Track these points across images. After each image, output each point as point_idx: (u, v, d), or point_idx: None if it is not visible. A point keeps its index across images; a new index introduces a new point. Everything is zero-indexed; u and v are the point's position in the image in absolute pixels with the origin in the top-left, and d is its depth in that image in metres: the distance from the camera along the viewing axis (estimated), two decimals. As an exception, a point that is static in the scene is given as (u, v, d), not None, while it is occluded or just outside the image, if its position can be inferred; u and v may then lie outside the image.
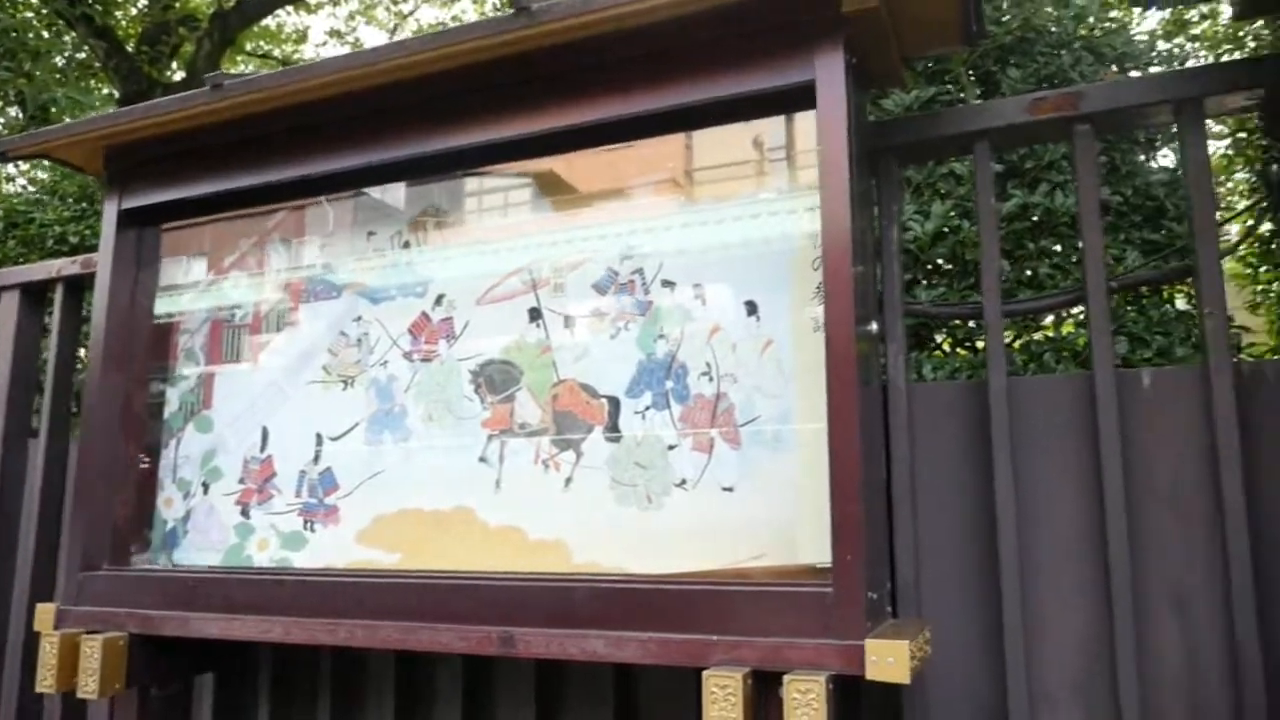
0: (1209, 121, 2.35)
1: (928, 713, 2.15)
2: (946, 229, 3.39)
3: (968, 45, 2.40)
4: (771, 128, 2.35)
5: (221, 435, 2.84)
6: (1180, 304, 3.54)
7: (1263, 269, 4.00)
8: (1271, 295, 3.92)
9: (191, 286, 3.02)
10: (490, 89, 2.44)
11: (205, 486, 2.81)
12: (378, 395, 2.64)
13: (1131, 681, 1.97)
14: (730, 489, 2.16)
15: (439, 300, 2.62)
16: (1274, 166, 2.98)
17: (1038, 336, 3.52)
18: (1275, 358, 3.09)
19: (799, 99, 2.16)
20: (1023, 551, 2.12)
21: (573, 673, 2.48)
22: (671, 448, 2.24)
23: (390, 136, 2.50)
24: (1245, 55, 3.68)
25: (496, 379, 2.49)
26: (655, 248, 2.38)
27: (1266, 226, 3.60)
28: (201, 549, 2.75)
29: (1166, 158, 3.68)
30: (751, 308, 2.25)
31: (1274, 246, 3.78)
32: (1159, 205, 3.45)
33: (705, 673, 1.79)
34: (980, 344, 3.69)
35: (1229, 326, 3.32)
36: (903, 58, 2.46)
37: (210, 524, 2.77)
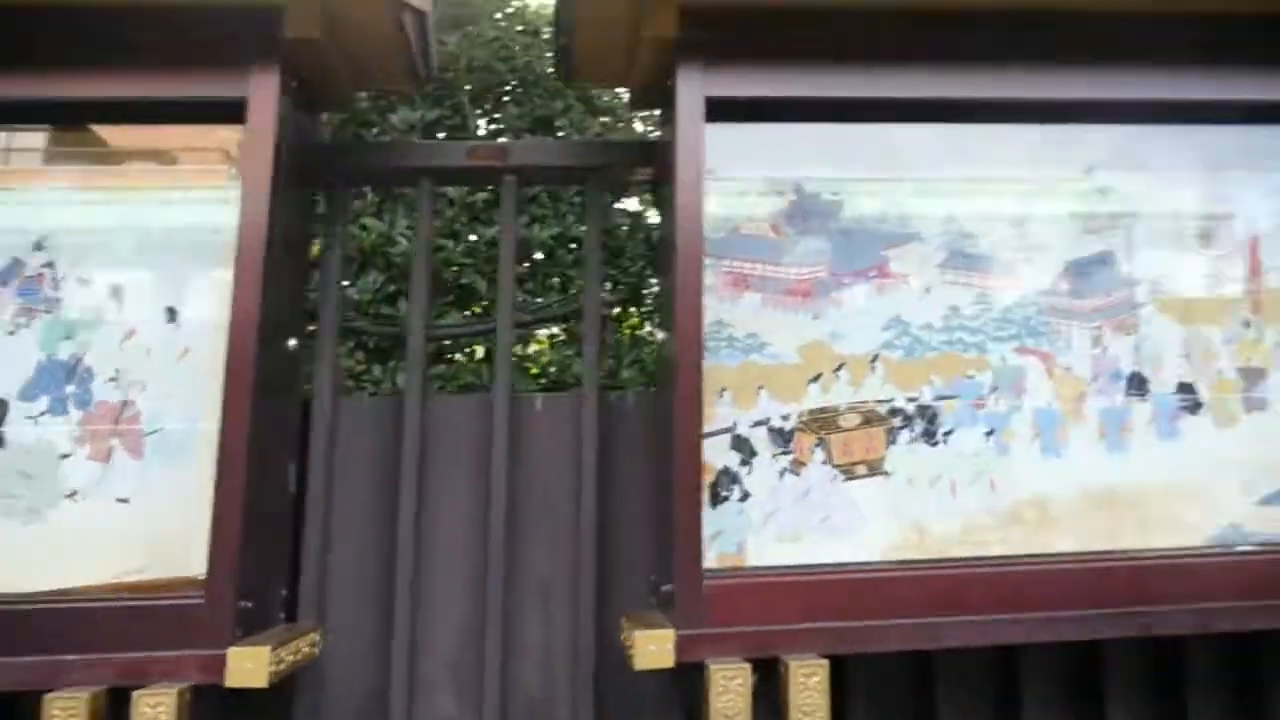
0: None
1: (318, 707, 2.28)
2: (436, 248, 3.60)
3: (417, 89, 2.59)
4: (217, 139, 2.32)
5: None
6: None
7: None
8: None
9: None
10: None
11: None
12: None
13: (495, 661, 2.29)
14: (126, 500, 2.09)
15: None
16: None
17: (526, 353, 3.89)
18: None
19: (237, 112, 2.18)
20: (420, 552, 2.35)
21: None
22: (65, 456, 2.11)
23: None
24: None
25: None
26: (72, 240, 2.23)
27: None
28: None
29: (634, 204, 4.27)
30: (172, 314, 2.20)
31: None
32: (621, 246, 4.01)
33: (46, 697, 1.72)
34: (480, 353, 3.99)
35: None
36: (369, 85, 2.59)
37: None
